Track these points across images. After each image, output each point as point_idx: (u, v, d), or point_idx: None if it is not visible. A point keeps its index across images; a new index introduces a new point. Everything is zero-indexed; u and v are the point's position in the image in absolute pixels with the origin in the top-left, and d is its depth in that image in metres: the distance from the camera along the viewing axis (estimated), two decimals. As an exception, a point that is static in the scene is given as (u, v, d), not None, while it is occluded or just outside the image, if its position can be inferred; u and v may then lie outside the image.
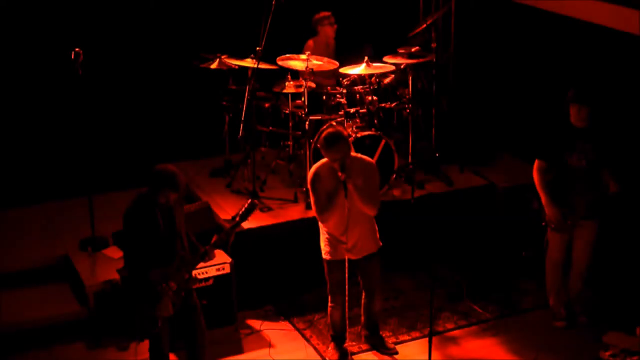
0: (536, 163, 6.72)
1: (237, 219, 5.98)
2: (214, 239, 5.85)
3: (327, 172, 6.17)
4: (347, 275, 6.30)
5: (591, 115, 6.49)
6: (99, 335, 6.90)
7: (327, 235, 6.35)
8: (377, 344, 6.82)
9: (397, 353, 6.77)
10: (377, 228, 6.47)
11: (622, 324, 6.90)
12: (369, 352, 6.81)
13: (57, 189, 8.49)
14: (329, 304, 6.59)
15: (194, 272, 6.38)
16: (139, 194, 5.70)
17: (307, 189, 7.59)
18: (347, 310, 6.42)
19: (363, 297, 6.66)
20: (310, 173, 6.28)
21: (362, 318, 6.79)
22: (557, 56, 8.58)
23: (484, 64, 9.42)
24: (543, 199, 6.70)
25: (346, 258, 6.28)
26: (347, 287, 6.34)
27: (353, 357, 6.73)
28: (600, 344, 6.69)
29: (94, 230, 7.52)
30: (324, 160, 6.19)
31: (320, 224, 6.36)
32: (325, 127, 7.81)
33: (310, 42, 8.79)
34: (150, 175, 5.63)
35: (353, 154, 6.18)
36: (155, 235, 5.62)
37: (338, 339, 6.69)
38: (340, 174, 6.04)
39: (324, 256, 6.44)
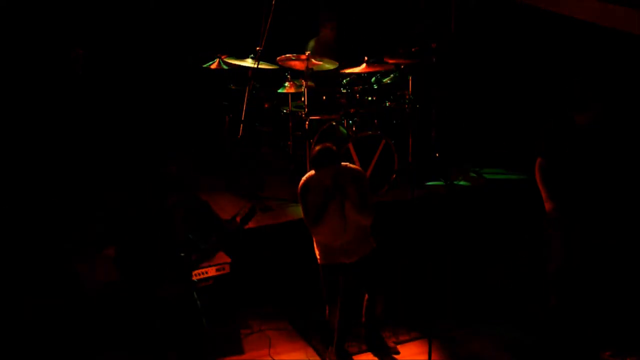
0: (538, 161, 6.75)
1: (238, 219, 5.97)
2: (214, 239, 5.85)
3: (316, 183, 6.17)
4: (342, 279, 6.30)
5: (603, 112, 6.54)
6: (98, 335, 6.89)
7: (318, 241, 6.37)
8: (377, 344, 6.82)
9: (398, 353, 6.77)
10: (369, 230, 6.45)
11: (623, 325, 6.91)
12: (369, 353, 6.80)
13: (57, 189, 8.49)
14: (327, 308, 6.60)
15: (194, 273, 6.40)
16: (144, 194, 5.69)
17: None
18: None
19: (366, 299, 6.65)
20: (300, 184, 6.27)
21: (363, 318, 6.78)
22: (556, 55, 8.59)
23: (484, 64, 9.44)
24: (543, 195, 6.72)
25: (341, 262, 6.29)
26: (343, 289, 6.33)
27: (353, 357, 6.73)
28: (600, 344, 6.70)
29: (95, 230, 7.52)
30: (312, 172, 6.20)
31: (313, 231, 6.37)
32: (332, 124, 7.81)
33: (313, 41, 8.81)
34: (158, 178, 5.62)
35: (343, 163, 6.19)
36: (156, 236, 5.62)
37: (337, 340, 6.68)
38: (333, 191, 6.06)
39: (318, 261, 6.45)
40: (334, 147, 6.14)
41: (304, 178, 6.26)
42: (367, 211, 6.19)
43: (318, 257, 6.42)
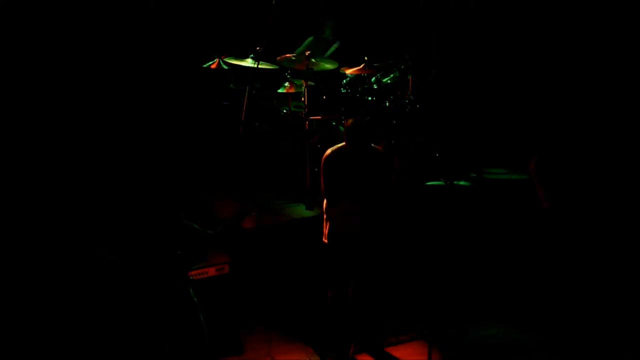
0: (534, 160, 6.79)
1: (233, 220, 5.99)
2: (220, 228, 5.86)
3: (341, 157, 6.24)
4: (348, 262, 6.33)
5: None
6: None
7: (333, 218, 6.38)
8: (362, 332, 6.83)
9: (378, 341, 6.82)
10: (382, 217, 6.49)
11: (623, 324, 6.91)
12: (369, 352, 6.80)
13: (57, 189, 8.48)
14: (329, 293, 6.59)
15: (194, 273, 6.42)
16: (143, 194, 5.69)
17: (308, 188, 7.62)
18: (348, 300, 6.45)
19: (353, 285, 6.65)
20: (324, 156, 6.33)
21: (351, 303, 6.73)
22: (556, 55, 8.61)
23: (483, 65, 9.44)
24: (540, 192, 6.76)
25: (349, 244, 6.32)
26: (348, 274, 6.35)
27: (353, 357, 6.73)
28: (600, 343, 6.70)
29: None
30: (340, 145, 6.27)
31: (327, 207, 6.40)
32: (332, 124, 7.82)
33: (312, 40, 8.85)
34: (157, 178, 5.63)
35: (372, 145, 6.29)
36: (154, 235, 5.61)
37: (337, 335, 6.68)
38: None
39: (326, 241, 6.45)
40: (369, 122, 6.25)
41: (328, 151, 6.33)
42: (385, 194, 6.29)
43: (326, 236, 6.45)
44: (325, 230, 6.47)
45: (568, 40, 8.38)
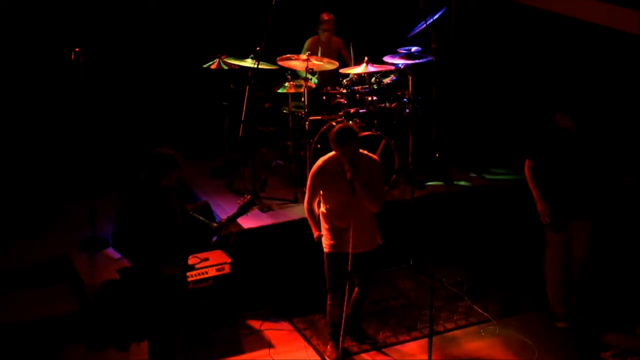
0: (527, 163, 6.81)
1: (236, 211, 5.99)
2: (223, 220, 5.87)
3: (333, 167, 6.23)
4: (347, 270, 6.33)
5: (576, 120, 6.54)
6: (98, 335, 6.89)
7: (329, 228, 6.37)
8: (358, 335, 6.89)
9: (377, 342, 6.86)
10: (377, 226, 6.50)
11: (622, 324, 6.90)
12: (369, 352, 6.81)
13: (58, 190, 8.49)
14: (328, 301, 6.60)
15: (193, 273, 6.44)
16: (137, 180, 5.68)
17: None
18: (345, 307, 6.44)
19: (355, 291, 6.67)
20: (316, 164, 6.35)
21: (349, 310, 6.75)
22: (553, 58, 8.61)
23: (483, 65, 9.44)
24: (535, 194, 6.77)
25: (348, 252, 6.32)
26: (347, 282, 6.35)
27: (353, 357, 6.73)
28: (600, 344, 6.69)
29: (94, 230, 7.52)
30: (332, 153, 6.26)
31: (325, 217, 6.41)
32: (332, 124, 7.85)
33: (312, 40, 8.83)
34: (150, 159, 5.61)
35: (360, 151, 6.25)
36: (149, 223, 5.58)
37: (336, 337, 6.69)
38: (347, 171, 6.13)
39: (325, 250, 6.46)
40: (356, 128, 6.25)
41: (320, 160, 6.36)
42: (377, 200, 6.29)
43: (326, 245, 6.46)
44: (325, 240, 6.47)
45: (568, 41, 8.39)
